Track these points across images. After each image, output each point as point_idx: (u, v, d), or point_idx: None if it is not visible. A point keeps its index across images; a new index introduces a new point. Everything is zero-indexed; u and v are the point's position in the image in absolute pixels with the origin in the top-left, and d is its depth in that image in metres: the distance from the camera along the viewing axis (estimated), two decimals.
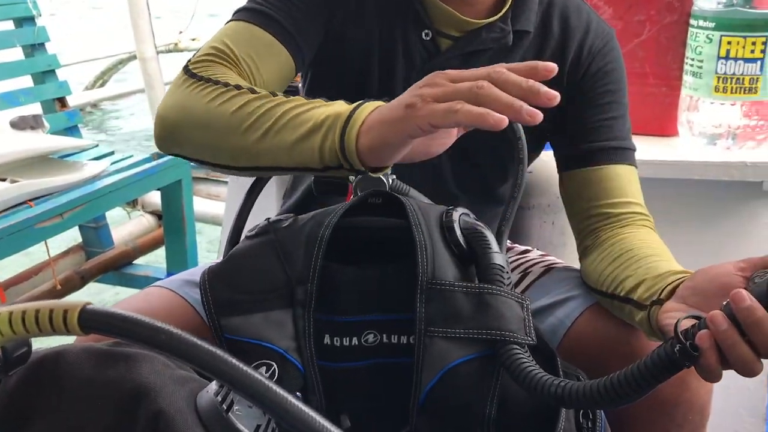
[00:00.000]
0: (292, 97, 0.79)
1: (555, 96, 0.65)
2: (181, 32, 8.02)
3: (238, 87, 0.80)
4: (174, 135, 0.83)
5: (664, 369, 0.62)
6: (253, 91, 0.80)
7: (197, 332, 0.48)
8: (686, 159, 1.37)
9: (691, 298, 0.73)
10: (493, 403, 0.70)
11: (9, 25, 2.28)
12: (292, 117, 0.76)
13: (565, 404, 0.67)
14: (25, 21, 2.28)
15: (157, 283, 0.90)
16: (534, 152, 1.04)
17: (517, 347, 0.69)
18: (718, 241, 1.43)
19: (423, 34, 0.93)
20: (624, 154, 0.97)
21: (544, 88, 0.65)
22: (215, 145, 0.81)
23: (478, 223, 0.75)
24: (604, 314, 0.89)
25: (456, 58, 0.94)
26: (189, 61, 0.87)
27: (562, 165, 1.00)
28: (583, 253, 0.97)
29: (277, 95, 0.79)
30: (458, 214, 0.75)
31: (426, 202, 0.81)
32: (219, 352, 0.44)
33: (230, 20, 0.91)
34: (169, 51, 7.98)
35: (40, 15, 2.32)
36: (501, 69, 0.67)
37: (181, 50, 7.98)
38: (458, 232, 0.73)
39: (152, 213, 3.00)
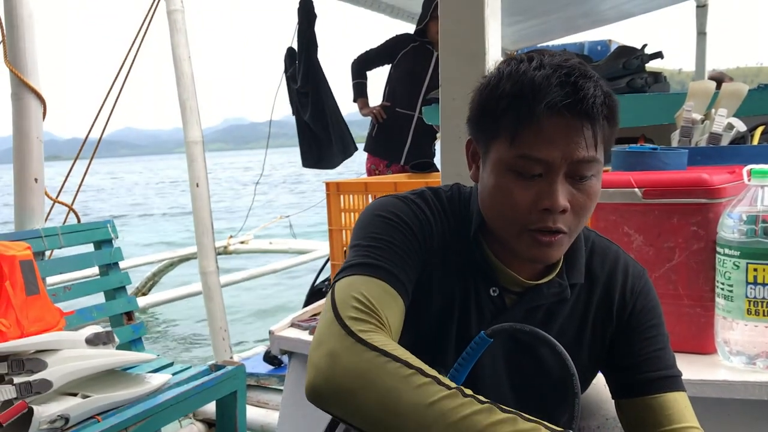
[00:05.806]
0: (486, 403, 0.82)
1: None
2: (231, 236, 8.49)
3: (422, 372, 0.84)
4: (344, 401, 0.85)
5: None
6: (448, 387, 0.83)
7: None
8: (727, 379, 1.39)
9: None
10: None
11: (89, 248, 2.51)
12: None
13: None
14: (104, 243, 2.52)
15: None
16: (590, 379, 1.13)
17: None
18: None
19: (491, 291, 1.05)
20: (676, 381, 1.05)
21: None
22: (394, 426, 0.82)
23: None
24: None
25: (520, 312, 1.05)
26: (339, 313, 0.91)
27: (619, 393, 1.08)
28: None
29: (473, 398, 0.83)
30: None
31: None
32: None
33: (354, 273, 0.96)
34: (219, 254, 8.38)
35: (117, 237, 2.55)
36: None
37: (230, 253, 8.41)
38: None
39: (203, 421, 3.05)
